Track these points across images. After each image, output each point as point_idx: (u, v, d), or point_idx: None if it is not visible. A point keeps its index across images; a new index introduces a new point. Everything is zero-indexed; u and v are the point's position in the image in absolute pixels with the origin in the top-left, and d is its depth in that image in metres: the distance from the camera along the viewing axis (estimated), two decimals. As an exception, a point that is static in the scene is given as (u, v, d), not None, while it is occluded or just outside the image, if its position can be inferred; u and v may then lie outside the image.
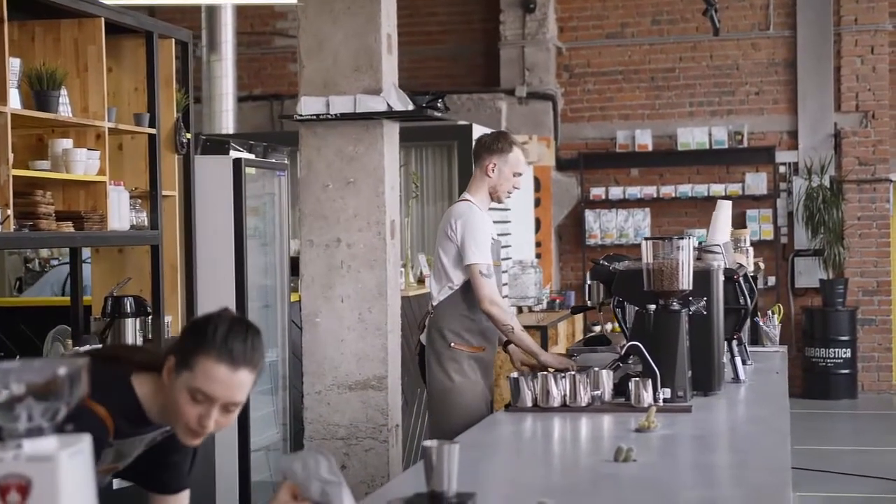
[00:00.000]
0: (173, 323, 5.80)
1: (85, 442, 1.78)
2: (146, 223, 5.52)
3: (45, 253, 8.68)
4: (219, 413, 2.53)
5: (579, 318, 11.03)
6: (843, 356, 12.08)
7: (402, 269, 7.73)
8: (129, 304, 5.37)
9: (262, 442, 6.60)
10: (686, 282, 4.34)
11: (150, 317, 5.51)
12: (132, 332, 5.36)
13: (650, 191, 12.67)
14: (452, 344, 5.12)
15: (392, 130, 5.73)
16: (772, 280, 12.41)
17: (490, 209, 6.64)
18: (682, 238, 4.37)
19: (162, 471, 2.83)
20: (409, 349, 6.47)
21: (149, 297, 5.54)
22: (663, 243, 4.36)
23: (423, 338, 5.32)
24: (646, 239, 4.42)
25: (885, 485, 8.25)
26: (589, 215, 12.78)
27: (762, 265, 9.56)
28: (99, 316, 5.45)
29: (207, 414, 2.52)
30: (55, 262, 8.71)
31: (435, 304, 5.21)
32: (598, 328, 12.07)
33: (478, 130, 9.78)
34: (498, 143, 5.24)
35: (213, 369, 2.50)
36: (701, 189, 12.52)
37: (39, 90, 4.77)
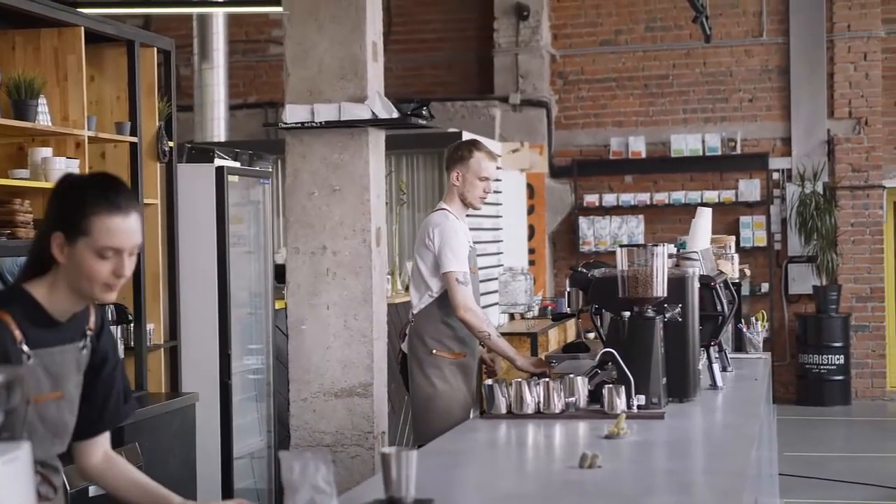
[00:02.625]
0: (155, 331, 5.81)
1: (23, 450, 1.80)
2: (128, 231, 5.53)
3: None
4: (127, 260, 2.65)
5: (571, 324, 11.03)
6: (837, 362, 12.08)
7: (389, 277, 7.75)
8: (110, 312, 5.38)
9: (246, 449, 6.61)
10: (660, 289, 4.35)
11: (132, 324, 5.52)
12: (114, 339, 5.37)
13: (644, 198, 12.68)
14: (434, 351, 5.23)
15: (377, 138, 5.75)
16: (765, 286, 12.42)
17: (478, 216, 6.67)
18: (657, 245, 4.38)
19: (100, 398, 2.83)
20: (395, 356, 6.49)
21: (130, 305, 5.56)
22: (638, 250, 4.38)
23: (404, 346, 5.39)
24: (621, 246, 4.44)
25: (877, 491, 8.26)
26: (583, 222, 12.80)
27: (748, 272, 9.57)
28: (81, 324, 5.46)
29: (120, 264, 2.63)
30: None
31: (415, 311, 5.32)
32: (592, 335, 12.06)
33: (468, 137, 9.80)
34: (458, 151, 5.39)
35: (110, 224, 2.61)
36: (694, 196, 12.53)
37: (17, 99, 4.79)
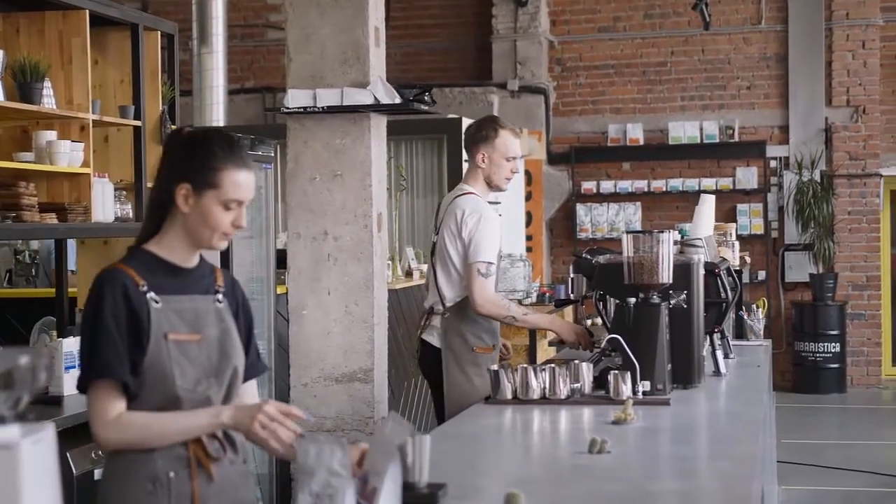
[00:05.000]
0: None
1: (48, 430, 1.80)
2: (131, 215, 5.53)
3: (35, 244, 8.68)
4: (245, 212, 2.85)
5: (570, 311, 11.06)
6: (833, 350, 12.12)
7: (389, 263, 7.74)
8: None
9: (248, 433, 6.59)
10: (666, 275, 4.35)
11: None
12: (117, 323, 5.36)
13: (641, 185, 12.69)
14: (475, 348, 5.03)
15: (379, 123, 5.74)
16: (762, 274, 12.44)
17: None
18: (663, 232, 4.39)
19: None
20: (395, 342, 6.49)
21: (133, 289, 5.54)
22: (644, 237, 4.37)
23: (428, 338, 5.17)
24: (627, 232, 4.44)
25: (873, 478, 8.29)
26: (580, 209, 12.80)
27: (748, 259, 9.58)
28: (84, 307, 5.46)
29: (239, 216, 2.82)
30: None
31: (448, 304, 5.08)
32: (589, 322, 12.08)
33: (467, 124, 9.78)
34: (482, 130, 5.15)
35: (238, 178, 2.80)
36: (692, 183, 12.54)
37: (23, 82, 4.78)
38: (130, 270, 2.78)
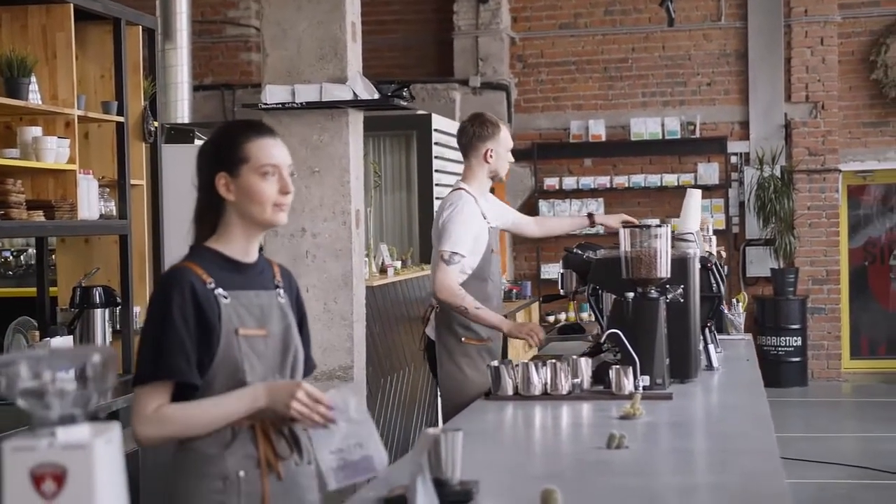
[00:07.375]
0: (142, 313, 5.73)
1: (115, 430, 1.77)
2: (115, 212, 5.45)
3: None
4: (287, 177, 2.83)
5: (535, 307, 11.08)
6: (794, 344, 12.23)
7: (366, 260, 7.71)
8: (97, 295, 5.30)
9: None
10: (664, 269, 4.36)
11: (118, 307, 5.44)
12: (101, 322, 5.29)
13: (604, 181, 12.73)
14: (463, 339, 5.09)
15: (357, 119, 5.72)
16: (724, 269, 12.51)
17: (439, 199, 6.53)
18: (661, 226, 4.39)
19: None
20: (372, 339, 6.46)
21: (117, 288, 5.48)
22: (641, 231, 4.37)
23: (429, 332, 5.22)
24: (624, 226, 4.44)
25: (835, 470, 8.38)
26: (543, 205, 12.82)
27: (724, 253, 9.64)
28: (66, 306, 5.38)
29: (282, 181, 2.81)
30: (6, 254, 8.60)
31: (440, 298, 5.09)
32: (551, 318, 12.10)
33: (437, 120, 9.77)
34: (487, 128, 5.22)
35: (262, 144, 2.82)
36: (654, 179, 12.60)
37: (10, 77, 4.69)
38: (197, 268, 2.77)
